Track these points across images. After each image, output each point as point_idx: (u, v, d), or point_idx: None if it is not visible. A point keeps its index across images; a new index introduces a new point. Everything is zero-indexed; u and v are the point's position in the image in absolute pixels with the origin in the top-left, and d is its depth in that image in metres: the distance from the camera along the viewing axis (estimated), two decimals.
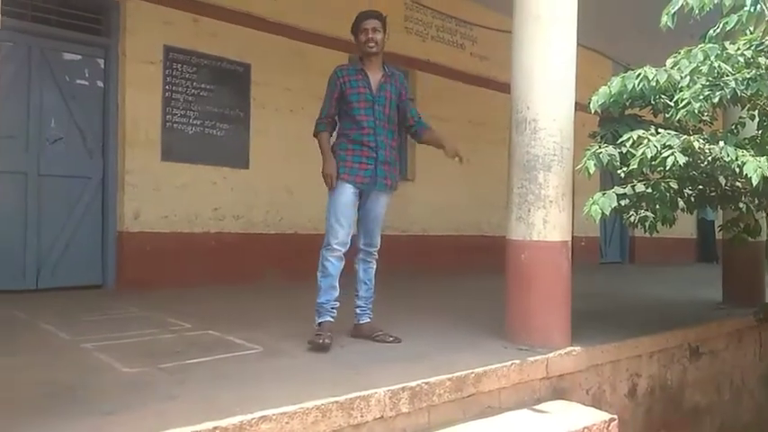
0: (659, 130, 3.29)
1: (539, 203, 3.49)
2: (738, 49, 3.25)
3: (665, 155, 3.09)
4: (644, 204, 3.65)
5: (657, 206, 3.55)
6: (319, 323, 3.38)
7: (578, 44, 3.65)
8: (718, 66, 3.19)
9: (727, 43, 3.26)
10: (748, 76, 3.21)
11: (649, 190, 3.42)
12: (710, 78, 3.23)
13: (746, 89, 3.23)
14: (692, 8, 3.24)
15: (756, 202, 4.13)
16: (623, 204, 3.44)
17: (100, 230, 5.65)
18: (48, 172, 5.36)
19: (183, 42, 6.02)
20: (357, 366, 2.93)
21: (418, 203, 7.97)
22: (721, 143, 3.19)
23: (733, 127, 3.90)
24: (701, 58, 3.20)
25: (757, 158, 3.01)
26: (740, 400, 5.00)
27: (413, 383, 2.64)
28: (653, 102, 3.84)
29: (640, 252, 11.49)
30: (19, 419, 2.09)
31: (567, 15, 3.58)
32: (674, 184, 3.47)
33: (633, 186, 3.42)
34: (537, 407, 3.14)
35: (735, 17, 3.24)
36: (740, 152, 3.10)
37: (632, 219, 3.80)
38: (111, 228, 5.66)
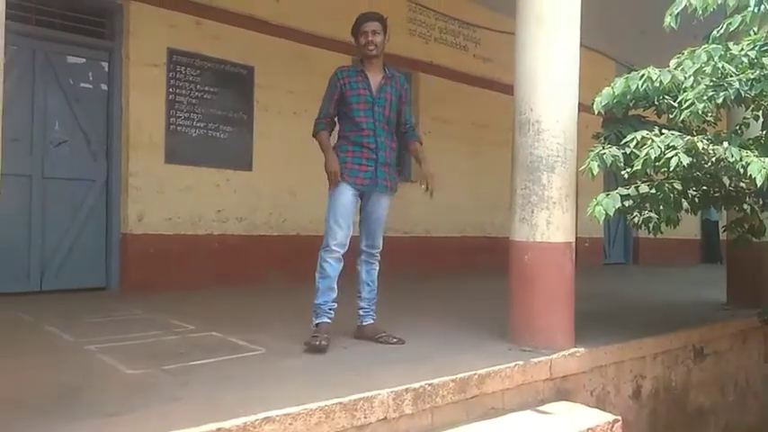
0: (663, 130, 3.28)
1: (542, 204, 3.49)
2: (742, 49, 3.24)
3: (668, 156, 3.09)
4: (648, 205, 3.64)
5: (661, 207, 3.54)
6: (316, 324, 3.38)
7: (581, 45, 3.64)
8: (722, 66, 3.18)
9: (730, 44, 3.25)
10: (752, 77, 3.21)
11: (653, 191, 3.41)
12: (714, 79, 3.23)
13: (750, 90, 3.22)
14: (696, 9, 3.24)
15: (761, 202, 4.12)
16: (627, 205, 3.43)
17: (104, 233, 5.67)
18: (52, 175, 5.38)
19: (187, 45, 6.04)
20: (360, 368, 2.93)
21: (421, 205, 7.93)
22: (725, 144, 3.18)
23: (737, 127, 3.89)
24: (705, 59, 3.19)
25: (761, 159, 3.00)
26: (745, 401, 4.98)
27: (416, 385, 2.64)
28: (656, 102, 3.83)
29: (644, 253, 11.47)
30: (22, 421, 2.09)
31: (569, 16, 3.57)
32: (677, 185, 3.46)
33: (637, 187, 3.41)
34: (540, 408, 3.13)
35: (738, 18, 3.24)
36: (744, 153, 3.09)
37: (636, 220, 3.79)
38: (115, 230, 5.67)
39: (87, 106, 5.63)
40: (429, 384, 2.68)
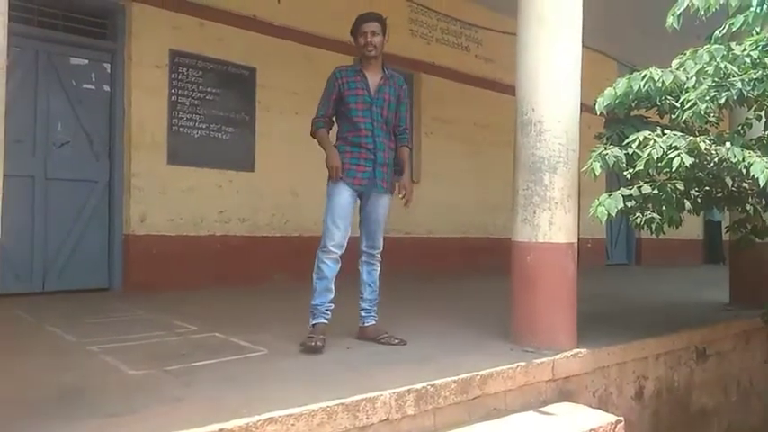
0: (665, 131, 3.28)
1: (544, 205, 3.49)
2: (744, 49, 3.23)
3: (671, 156, 3.08)
4: (650, 206, 3.63)
5: (664, 207, 3.53)
6: (313, 325, 3.38)
7: (583, 45, 3.64)
8: (725, 67, 3.18)
9: (733, 44, 3.25)
10: (755, 77, 3.20)
11: (656, 191, 3.40)
12: (716, 79, 3.22)
13: (753, 90, 3.21)
14: (698, 9, 3.23)
15: (763, 203, 4.11)
16: (629, 206, 3.43)
17: (106, 233, 5.68)
18: (54, 176, 5.40)
19: (189, 46, 6.05)
20: (362, 368, 2.93)
21: (423, 205, 7.93)
22: (728, 144, 3.17)
23: (739, 128, 3.89)
24: (707, 59, 3.19)
25: (764, 159, 2.99)
26: (748, 401, 4.97)
27: (418, 386, 2.64)
28: (659, 103, 3.83)
29: (647, 254, 11.46)
30: (24, 420, 2.10)
31: (571, 17, 3.57)
32: (680, 186, 3.45)
33: (639, 188, 3.40)
34: (543, 409, 3.13)
35: (741, 18, 3.23)
36: (747, 153, 3.08)
37: (638, 220, 3.78)
38: (118, 231, 5.69)
39: (90, 107, 5.65)
40: (431, 385, 2.68)
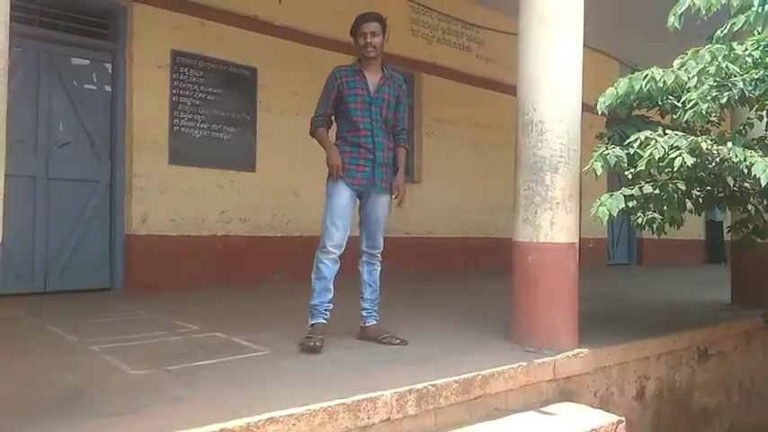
0: (667, 131, 3.27)
1: (545, 205, 3.48)
2: (746, 49, 3.23)
3: (672, 156, 3.08)
4: (652, 206, 3.62)
5: (665, 207, 3.52)
6: (312, 325, 3.38)
7: (584, 45, 3.64)
8: (726, 66, 3.17)
9: (734, 44, 3.24)
10: (756, 77, 3.20)
11: (657, 191, 3.40)
12: (718, 79, 3.21)
13: (754, 90, 3.21)
14: (699, 9, 3.23)
15: (765, 203, 4.11)
16: (631, 206, 3.42)
17: (108, 233, 5.69)
18: (56, 176, 5.40)
19: (190, 46, 6.06)
20: (363, 368, 2.93)
21: (424, 205, 7.96)
22: (729, 144, 3.17)
23: (741, 128, 3.88)
24: (709, 59, 3.18)
25: (766, 159, 2.99)
26: (749, 402, 4.96)
27: (419, 386, 2.64)
28: (660, 103, 3.82)
29: (648, 253, 11.45)
30: (25, 420, 2.10)
31: (572, 16, 3.57)
32: (681, 186, 3.45)
33: (641, 188, 3.40)
34: (544, 409, 3.12)
35: (742, 17, 3.22)
36: (748, 153, 3.07)
37: (640, 220, 3.77)
38: (119, 231, 5.69)
39: (91, 107, 5.65)
40: (432, 385, 2.68)
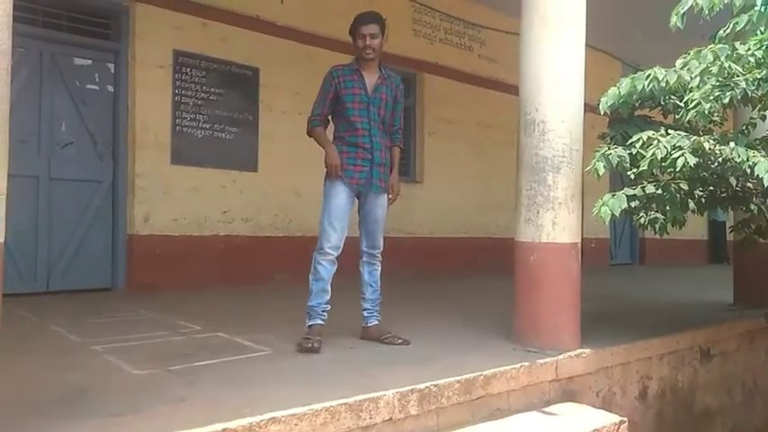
0: (669, 131, 3.27)
1: (548, 205, 3.48)
2: (749, 49, 3.22)
3: (675, 156, 3.07)
4: (654, 206, 3.62)
5: (668, 207, 3.52)
6: (309, 326, 3.38)
7: (587, 45, 3.63)
8: (729, 66, 3.16)
9: (737, 43, 3.23)
10: (759, 77, 3.19)
11: (659, 191, 3.39)
12: (721, 79, 3.21)
13: (757, 89, 3.20)
14: (702, 8, 3.22)
15: (767, 203, 4.10)
16: (633, 206, 3.42)
17: (110, 233, 5.69)
18: (58, 176, 5.41)
19: (193, 47, 6.06)
20: (365, 368, 2.93)
21: (426, 205, 7.97)
22: (732, 144, 3.16)
23: (744, 127, 3.88)
24: (711, 59, 3.18)
25: None
26: (752, 402, 4.95)
27: (421, 386, 2.64)
28: (663, 102, 3.82)
29: (650, 253, 11.44)
30: (27, 420, 2.11)
31: (574, 16, 3.56)
32: (684, 186, 3.45)
33: (643, 188, 3.39)
34: (546, 409, 3.12)
35: (745, 17, 3.21)
36: (751, 153, 3.07)
37: (642, 220, 3.77)
38: (121, 231, 5.70)
39: (94, 108, 5.66)
40: (434, 385, 2.68)
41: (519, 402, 3.06)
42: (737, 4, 3.21)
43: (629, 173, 3.34)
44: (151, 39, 5.80)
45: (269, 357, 3.15)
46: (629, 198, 3.34)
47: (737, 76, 3.19)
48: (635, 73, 3.40)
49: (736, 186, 3.75)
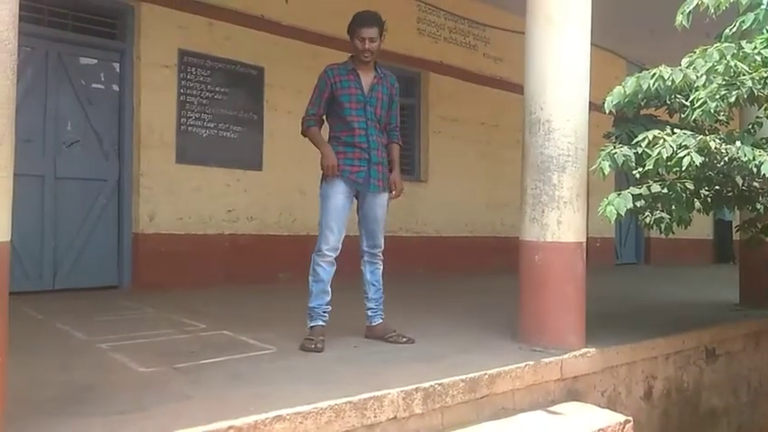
0: (675, 130, 3.26)
1: (553, 204, 3.48)
2: (755, 47, 3.21)
3: (680, 155, 3.06)
4: (660, 205, 3.61)
5: (673, 207, 3.51)
6: (311, 327, 3.38)
7: (592, 44, 3.62)
8: (735, 65, 3.15)
9: (743, 42, 3.22)
10: (765, 75, 3.17)
11: (665, 190, 3.38)
12: (727, 78, 3.19)
13: (763, 88, 3.19)
14: (708, 7, 3.21)
15: None
16: (639, 205, 3.41)
17: (115, 232, 5.71)
18: (64, 175, 5.43)
19: (198, 46, 6.07)
20: (370, 367, 2.93)
21: (431, 205, 7.97)
22: (738, 143, 3.15)
23: (750, 127, 3.86)
24: (717, 58, 3.16)
25: None
26: (758, 402, 4.93)
27: (426, 384, 2.64)
28: (668, 102, 3.80)
29: (656, 253, 11.41)
30: (34, 418, 2.11)
31: (579, 15, 3.55)
32: (690, 185, 3.43)
33: (649, 187, 3.38)
34: (551, 408, 3.12)
35: (751, 15, 3.21)
36: (757, 152, 3.06)
37: (648, 220, 3.76)
38: (127, 229, 5.72)
39: (99, 107, 5.68)
40: (439, 384, 2.68)
41: (524, 401, 3.06)
42: (744, 3, 3.20)
43: (634, 172, 3.33)
44: (156, 38, 5.82)
45: (274, 356, 3.16)
46: (635, 197, 3.33)
47: (744, 74, 3.18)
48: (640, 72, 3.40)
49: (743, 185, 3.73)
